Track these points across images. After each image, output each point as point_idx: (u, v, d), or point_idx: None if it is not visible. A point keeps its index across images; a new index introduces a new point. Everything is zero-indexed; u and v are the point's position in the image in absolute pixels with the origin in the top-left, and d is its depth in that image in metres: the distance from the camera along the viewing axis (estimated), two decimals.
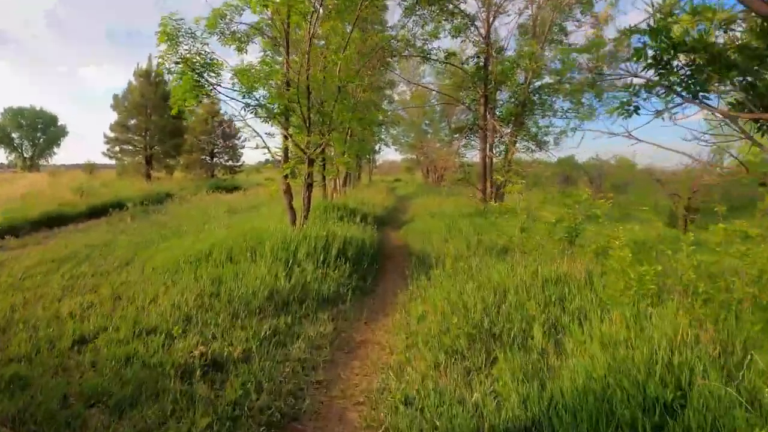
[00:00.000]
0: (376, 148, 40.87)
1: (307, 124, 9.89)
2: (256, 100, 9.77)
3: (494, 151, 15.85)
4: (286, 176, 10.14)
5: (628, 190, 25.92)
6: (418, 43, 15.14)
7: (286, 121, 10.05)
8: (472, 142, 16.81)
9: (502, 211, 9.72)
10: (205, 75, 9.41)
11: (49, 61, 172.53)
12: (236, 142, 46.20)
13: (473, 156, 17.80)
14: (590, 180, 23.49)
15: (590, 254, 6.75)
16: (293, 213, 10.24)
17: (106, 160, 39.53)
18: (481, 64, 15.59)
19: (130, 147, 37.57)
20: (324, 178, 16.46)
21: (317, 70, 10.05)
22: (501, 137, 15.68)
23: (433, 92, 42.51)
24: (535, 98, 15.72)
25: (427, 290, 6.92)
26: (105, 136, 37.47)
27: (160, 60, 9.42)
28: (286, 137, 10.23)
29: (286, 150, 10.39)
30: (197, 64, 9.25)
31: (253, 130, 10.46)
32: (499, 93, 15.95)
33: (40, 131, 65.26)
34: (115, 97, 37.47)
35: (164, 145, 38.39)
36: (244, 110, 9.87)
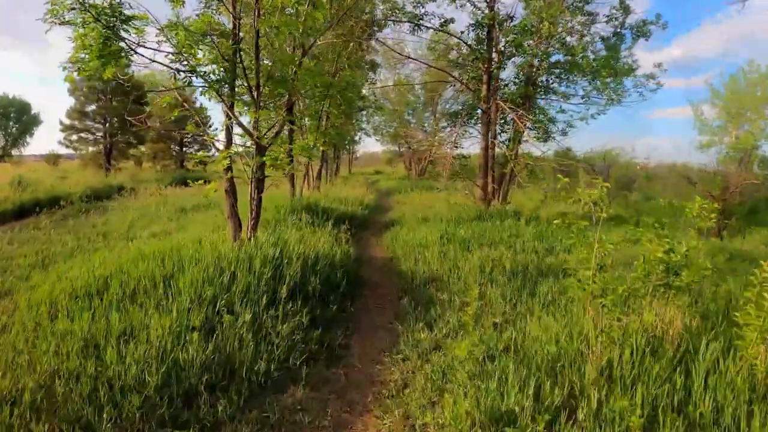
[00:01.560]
0: (356, 137, 37.90)
1: (255, 95, 6.96)
2: (190, 65, 6.79)
3: (497, 140, 13.11)
4: (228, 169, 7.21)
5: (634, 189, 23.53)
6: (408, 7, 12.24)
7: (231, 92, 7.10)
8: (470, 130, 14.02)
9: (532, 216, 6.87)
10: (120, 31, 6.39)
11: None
12: (208, 131, 42.64)
13: (469, 147, 14.98)
14: (597, 176, 20.86)
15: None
16: (236, 222, 7.32)
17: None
18: (483, 36, 12.80)
19: (90, 135, 33.84)
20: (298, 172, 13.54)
21: (273, 19, 7.07)
22: (505, 123, 12.93)
23: (423, 72, 39.92)
24: (545, 79, 13.07)
25: (436, 372, 4.13)
26: (61, 123, 33.64)
27: (51, 6, 6.36)
28: (228, 116, 7.27)
29: (228, 133, 7.43)
30: (105, 12, 6.21)
31: (190, 108, 7.47)
32: (502, 71, 13.22)
33: (12, 120, 60.99)
34: (72, 79, 33.63)
35: (126, 134, 34.81)
36: (176, 79, 6.91)
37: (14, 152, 60.30)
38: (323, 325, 5.37)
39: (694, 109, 33.46)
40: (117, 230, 11.79)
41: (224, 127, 7.30)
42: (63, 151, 37.42)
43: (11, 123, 60.61)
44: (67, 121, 33.74)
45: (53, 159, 41.28)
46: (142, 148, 40.15)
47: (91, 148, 33.76)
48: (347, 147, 42.89)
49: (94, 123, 33.01)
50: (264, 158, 7.07)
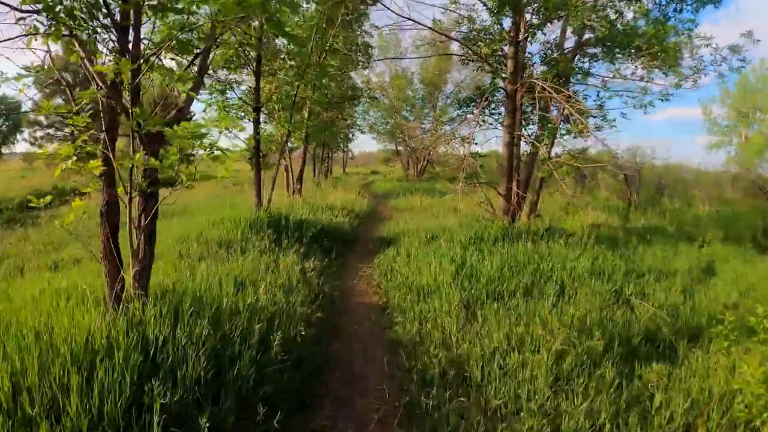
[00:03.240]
0: (350, 135, 34.80)
1: (126, 36, 3.90)
2: None
3: (524, 134, 10.04)
4: (104, 175, 4.18)
5: (666, 194, 20.49)
6: None
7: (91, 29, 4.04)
8: (489, 120, 10.85)
9: None
10: None
11: None
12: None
13: (483, 143, 11.81)
14: (626, 180, 17.92)
15: None
16: (115, 270, 4.18)
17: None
18: None
19: (57, 132, 30.58)
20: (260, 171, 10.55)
21: None
22: (534, 111, 9.88)
23: (422, 63, 36.91)
24: (589, 55, 10.00)
25: None
26: (27, 120, 30.41)
27: None
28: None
29: (107, 109, 4.34)
30: None
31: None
32: (529, 44, 10.14)
33: (2, 118, 58.11)
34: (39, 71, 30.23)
35: (99, 129, 31.52)
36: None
37: (4, 150, 57.65)
38: None
39: (703, 108, 32.64)
40: None
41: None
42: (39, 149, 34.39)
43: (0, 121, 57.84)
44: (32, 117, 30.59)
45: (29, 158, 38.26)
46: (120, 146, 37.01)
47: (58, 145, 30.58)
48: (341, 145, 39.78)
49: (60, 118, 29.77)
50: (154, 160, 3.96)
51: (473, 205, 12.11)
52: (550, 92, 8.02)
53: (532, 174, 11.05)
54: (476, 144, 11.14)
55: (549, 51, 10.76)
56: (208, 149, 4.06)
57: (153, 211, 4.14)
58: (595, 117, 9.75)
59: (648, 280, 7.11)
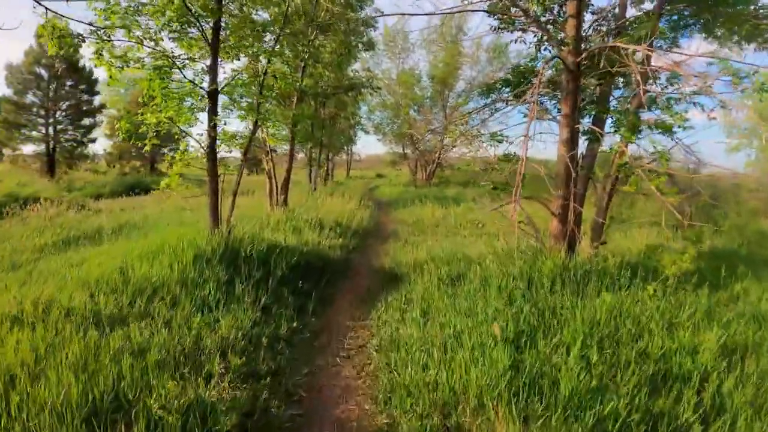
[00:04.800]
0: (353, 135, 32.02)
1: None
2: None
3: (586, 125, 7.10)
4: None
5: (721, 206, 17.30)
6: None
7: None
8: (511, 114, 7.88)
9: None
10: None
11: None
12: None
13: (510, 144, 8.77)
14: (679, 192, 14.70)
15: None
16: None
17: None
18: None
19: (28, 131, 27.85)
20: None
21: None
22: (594, 94, 6.96)
23: (434, 55, 33.91)
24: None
25: None
26: None
27: None
28: None
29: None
30: None
31: None
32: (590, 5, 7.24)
33: None
34: (9, 66, 27.64)
35: (76, 129, 28.91)
36: None
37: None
38: None
39: (724, 110, 30.45)
40: None
41: None
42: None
43: None
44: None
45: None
46: (107, 148, 34.32)
47: (33, 147, 27.90)
48: (344, 147, 36.97)
49: (32, 116, 27.02)
50: None
51: (502, 223, 9.20)
52: (636, 63, 5.07)
53: (588, 184, 8.08)
54: (510, 142, 8.20)
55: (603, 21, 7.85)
56: None
57: None
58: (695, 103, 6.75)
59: None
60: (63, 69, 26.66)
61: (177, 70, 7.44)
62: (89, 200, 17.77)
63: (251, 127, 7.50)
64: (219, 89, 7.54)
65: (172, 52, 7.52)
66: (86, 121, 28.48)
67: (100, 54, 6.69)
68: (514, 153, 8.24)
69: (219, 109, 7.64)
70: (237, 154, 9.37)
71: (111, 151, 35.66)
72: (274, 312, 5.73)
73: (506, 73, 8.51)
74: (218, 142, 7.48)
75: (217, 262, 6.39)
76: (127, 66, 7.11)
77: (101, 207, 16.17)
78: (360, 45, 12.79)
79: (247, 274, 6.29)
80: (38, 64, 26.37)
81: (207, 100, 7.46)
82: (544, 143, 10.52)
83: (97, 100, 29.50)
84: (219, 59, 7.52)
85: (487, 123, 9.14)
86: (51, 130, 27.02)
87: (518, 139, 7.96)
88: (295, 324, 5.46)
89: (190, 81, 7.59)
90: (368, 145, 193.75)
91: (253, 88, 7.23)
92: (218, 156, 7.69)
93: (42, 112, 27.00)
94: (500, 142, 8.05)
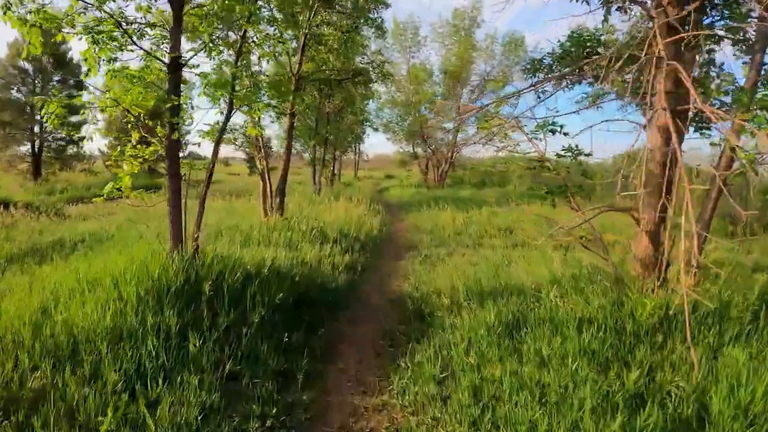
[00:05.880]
0: (362, 133, 30.12)
1: None
2: None
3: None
4: None
5: None
6: None
7: None
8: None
9: None
10: None
11: None
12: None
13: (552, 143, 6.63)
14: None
15: None
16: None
17: None
18: None
19: (10, 130, 25.90)
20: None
21: None
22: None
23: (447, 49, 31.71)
24: None
25: None
26: None
27: None
28: None
29: None
30: None
31: None
32: None
33: None
34: None
35: (64, 127, 26.94)
36: None
37: None
38: None
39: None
40: None
41: None
42: None
43: None
44: None
45: None
46: (101, 147, 32.45)
47: (17, 147, 25.98)
48: (351, 146, 35.00)
49: (15, 114, 25.07)
50: None
51: (534, 230, 7.17)
52: None
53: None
54: (557, 130, 6.17)
55: None
56: None
57: None
58: None
59: None
60: (49, 63, 24.90)
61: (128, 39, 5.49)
62: (67, 205, 15.88)
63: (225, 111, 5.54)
64: (184, 62, 5.57)
65: (122, 12, 5.58)
66: (75, 119, 26.54)
67: (8, 6, 4.76)
68: (576, 146, 6.26)
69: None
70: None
71: (107, 150, 33.90)
72: (244, 385, 3.77)
73: (559, 43, 6.46)
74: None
75: (170, 301, 4.44)
76: (59, 30, 5.20)
77: (74, 213, 14.29)
78: (369, 23, 10.77)
79: (210, 320, 4.33)
80: (22, 57, 24.57)
81: (166, 74, 5.51)
82: (608, 133, 8.52)
83: (86, 96, 27.63)
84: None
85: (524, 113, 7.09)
86: (37, 128, 25.16)
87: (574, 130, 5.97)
88: (274, 410, 3.48)
89: (146, 52, 5.64)
90: (376, 145, 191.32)
91: (228, 56, 5.26)
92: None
93: (28, 110, 25.15)
94: (554, 132, 6.10)
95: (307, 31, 9.15)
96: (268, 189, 10.10)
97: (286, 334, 4.42)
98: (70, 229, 10.63)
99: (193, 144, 23.62)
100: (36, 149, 25.18)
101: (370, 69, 11.30)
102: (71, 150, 27.52)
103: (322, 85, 11.45)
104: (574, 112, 6.41)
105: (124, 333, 4.05)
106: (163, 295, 4.52)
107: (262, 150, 9.76)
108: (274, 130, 30.68)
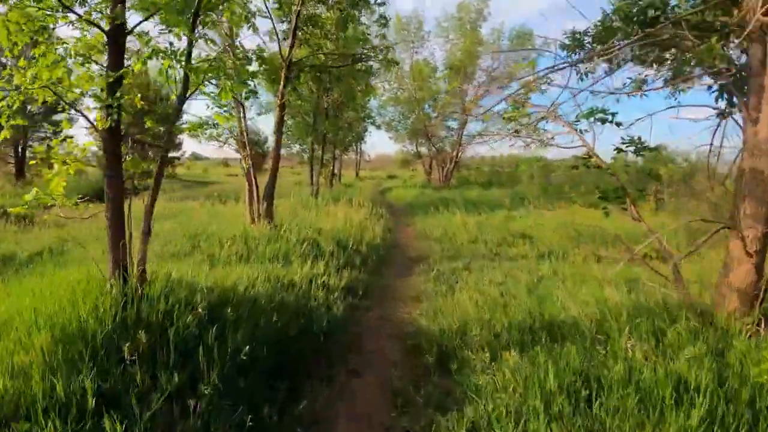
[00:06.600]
0: (363, 131, 28.81)
1: None
2: None
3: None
4: None
5: None
6: None
7: None
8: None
9: None
10: None
11: None
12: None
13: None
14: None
15: None
16: None
17: None
18: None
19: None
20: None
21: None
22: None
23: (451, 45, 30.35)
24: None
25: None
26: None
27: None
28: None
29: None
30: None
31: None
32: None
33: None
34: None
35: (47, 120, 25.74)
36: None
37: None
38: None
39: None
40: None
41: None
42: None
43: None
44: None
45: None
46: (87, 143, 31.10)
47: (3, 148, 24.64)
48: (352, 145, 33.66)
49: None
50: None
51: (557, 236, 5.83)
52: None
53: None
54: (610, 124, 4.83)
55: None
56: None
57: None
58: None
59: None
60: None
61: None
62: (40, 210, 14.54)
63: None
64: (127, 28, 4.21)
65: None
66: (60, 116, 25.18)
67: None
68: (639, 138, 4.98)
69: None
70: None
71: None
72: None
73: (612, 4, 5.10)
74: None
75: (93, 355, 3.10)
76: None
77: (50, 219, 12.95)
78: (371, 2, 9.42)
79: (146, 386, 2.98)
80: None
81: (105, 43, 4.17)
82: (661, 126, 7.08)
83: None
84: None
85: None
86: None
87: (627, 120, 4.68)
88: None
89: (79, 16, 4.27)
90: (377, 145, 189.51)
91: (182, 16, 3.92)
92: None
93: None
94: (604, 122, 4.85)
95: (299, 8, 7.81)
96: (255, 192, 8.74)
97: (254, 411, 3.05)
98: (33, 240, 9.30)
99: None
100: (19, 149, 23.83)
101: (373, 56, 9.96)
102: (61, 150, 26.13)
103: (318, 73, 10.09)
104: (611, 94, 5.05)
105: (20, 411, 2.73)
106: (85, 347, 3.18)
107: (247, 147, 8.41)
108: (268, 126, 29.50)
